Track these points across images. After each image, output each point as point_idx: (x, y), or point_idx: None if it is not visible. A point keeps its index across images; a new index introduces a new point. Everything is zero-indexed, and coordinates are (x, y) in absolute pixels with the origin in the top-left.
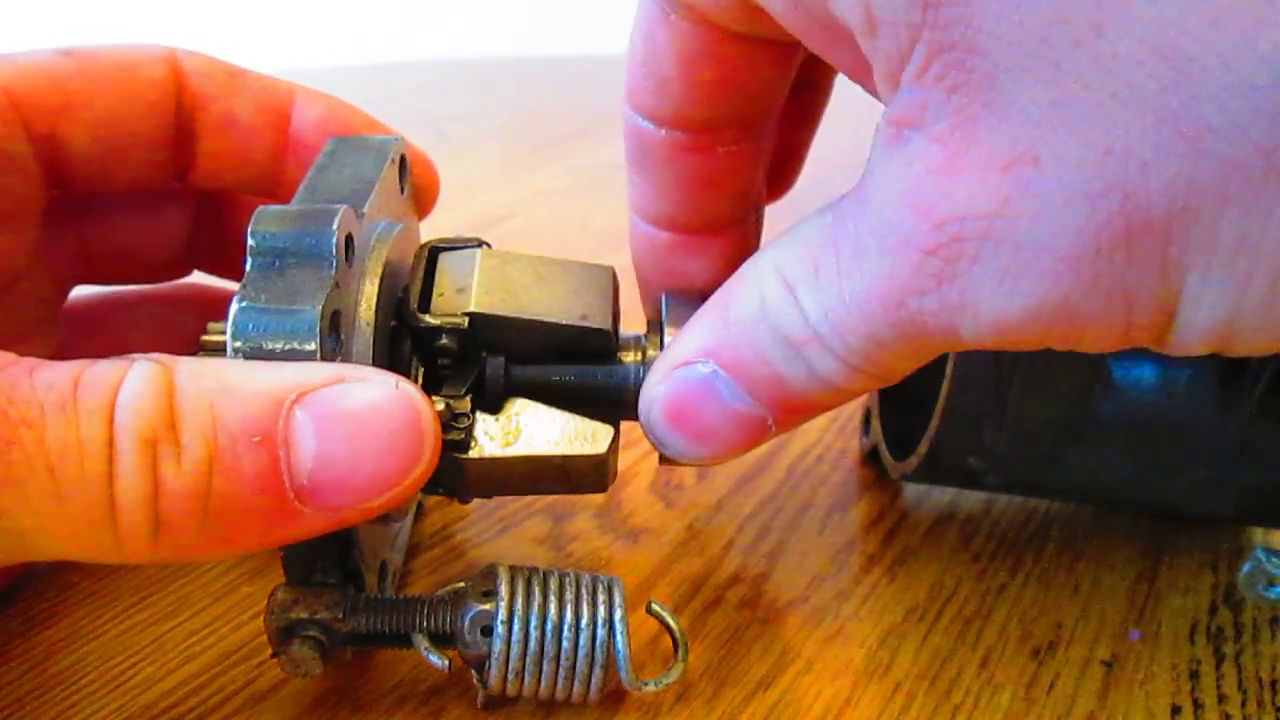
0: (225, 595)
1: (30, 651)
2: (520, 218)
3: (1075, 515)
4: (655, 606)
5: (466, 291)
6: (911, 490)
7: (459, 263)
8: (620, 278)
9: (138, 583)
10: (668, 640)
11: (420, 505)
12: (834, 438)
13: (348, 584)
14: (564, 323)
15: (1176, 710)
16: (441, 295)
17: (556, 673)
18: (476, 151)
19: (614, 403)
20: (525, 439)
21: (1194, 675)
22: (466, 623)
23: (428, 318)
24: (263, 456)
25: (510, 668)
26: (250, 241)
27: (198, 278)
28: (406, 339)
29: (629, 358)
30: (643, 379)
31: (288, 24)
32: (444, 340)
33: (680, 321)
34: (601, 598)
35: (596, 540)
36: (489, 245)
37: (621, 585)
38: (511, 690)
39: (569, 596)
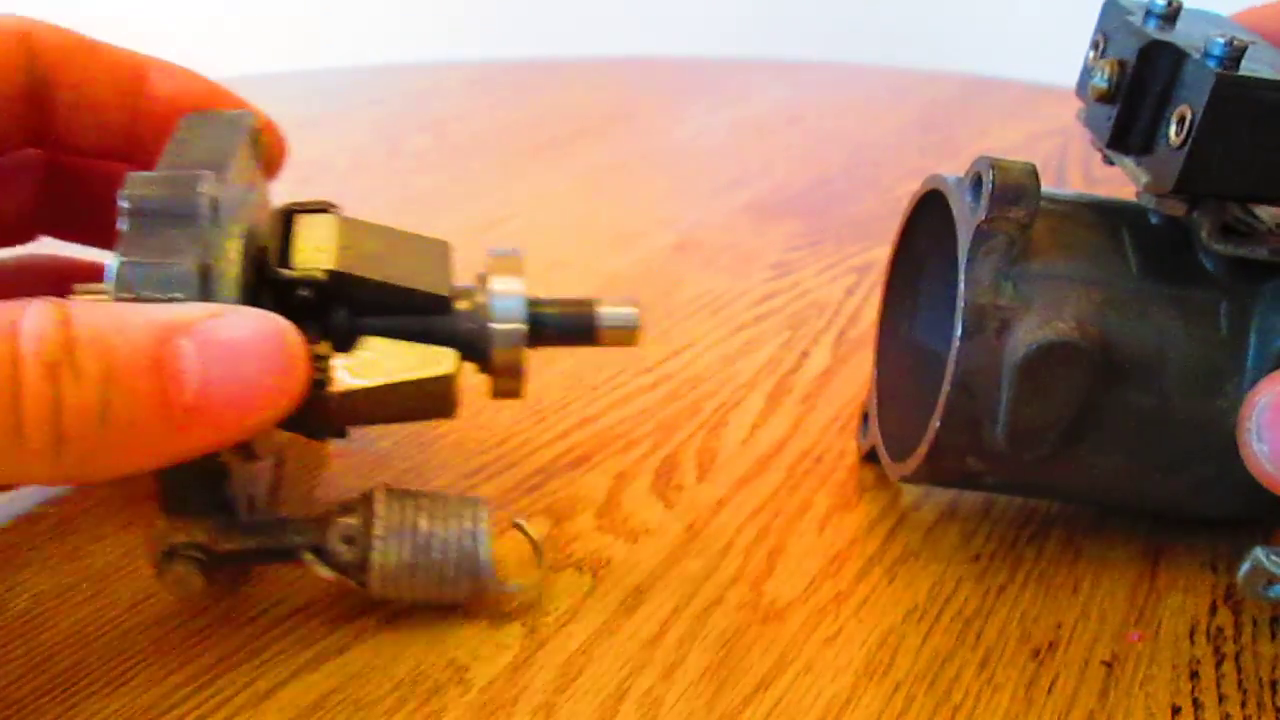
0: (225, 595)
1: (31, 653)
2: (520, 219)
3: (1075, 515)
4: (517, 521)
5: (325, 250)
6: (911, 490)
7: (316, 225)
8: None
9: (138, 584)
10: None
11: (281, 455)
12: (834, 438)
13: (220, 514)
14: (410, 286)
15: (1176, 710)
16: (301, 252)
17: (429, 579)
18: (476, 152)
19: (453, 339)
20: (379, 370)
21: (1194, 675)
22: (336, 535)
23: (288, 272)
24: (154, 379)
25: (388, 574)
26: (124, 204)
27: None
28: (266, 292)
29: (461, 305)
30: (479, 323)
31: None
32: (303, 291)
33: (501, 269)
34: (467, 513)
35: (596, 540)
36: (339, 210)
37: (486, 504)
38: (391, 594)
39: (438, 513)
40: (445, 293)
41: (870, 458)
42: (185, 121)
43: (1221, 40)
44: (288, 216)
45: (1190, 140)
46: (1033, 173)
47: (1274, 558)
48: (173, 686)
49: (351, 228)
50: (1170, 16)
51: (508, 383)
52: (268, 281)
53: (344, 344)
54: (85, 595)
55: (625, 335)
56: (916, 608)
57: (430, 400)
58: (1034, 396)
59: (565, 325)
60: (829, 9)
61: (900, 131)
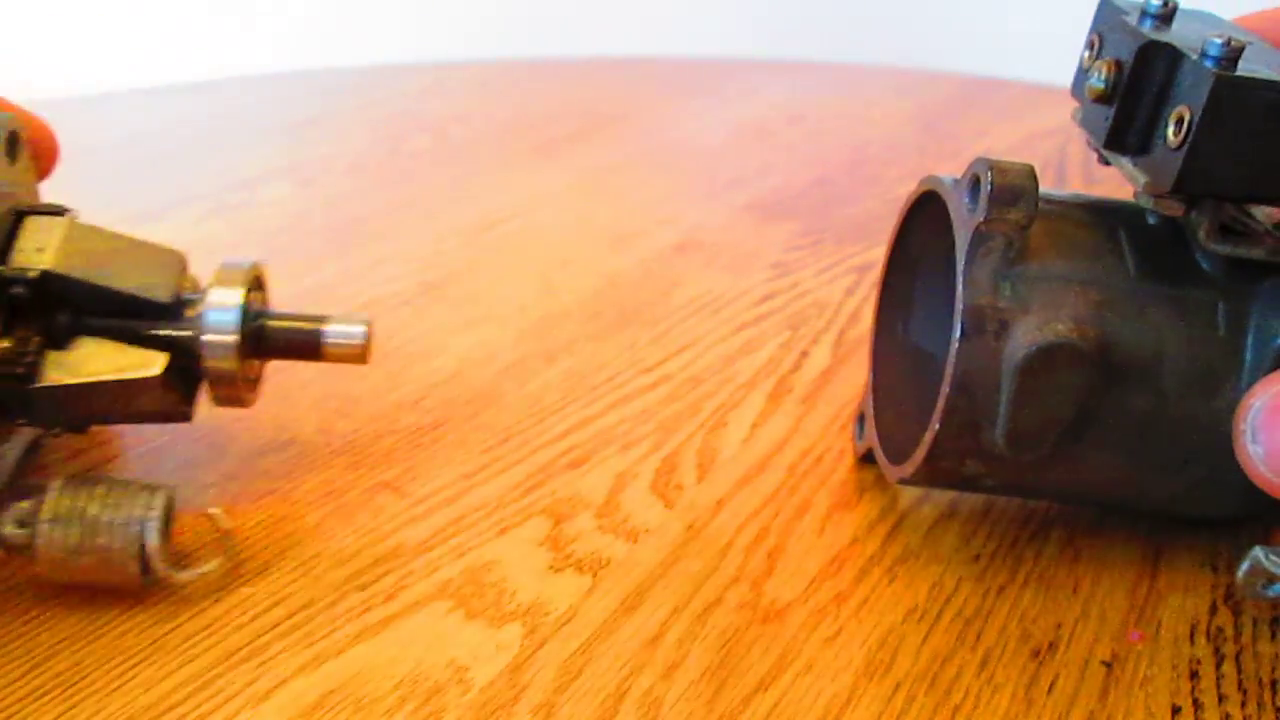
0: (225, 595)
1: (31, 652)
2: (520, 219)
3: (1075, 515)
4: (210, 510)
5: (45, 250)
6: (911, 490)
7: (44, 227)
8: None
9: (138, 584)
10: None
11: (37, 441)
12: (834, 438)
13: None
14: (126, 291)
15: (1176, 710)
16: (21, 252)
17: (96, 563)
18: (476, 152)
19: (169, 345)
20: (85, 369)
21: (1194, 675)
22: (10, 518)
23: (1, 269)
24: None
25: (53, 557)
26: None
27: None
28: None
29: (191, 311)
30: (198, 328)
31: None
32: (17, 290)
33: (225, 282)
34: (142, 501)
35: (596, 540)
36: (75, 215)
37: (168, 493)
38: (60, 576)
39: (112, 501)
40: (164, 299)
41: (867, 459)
42: None
43: (1219, 40)
44: (19, 217)
45: (1189, 141)
46: (1031, 174)
47: (1273, 557)
48: (173, 686)
49: (81, 232)
50: (1166, 16)
51: (225, 390)
52: None
53: (60, 342)
54: (85, 595)
55: (352, 352)
56: (916, 608)
57: (146, 400)
58: (1033, 398)
59: (290, 339)
60: (829, 9)
61: (900, 132)
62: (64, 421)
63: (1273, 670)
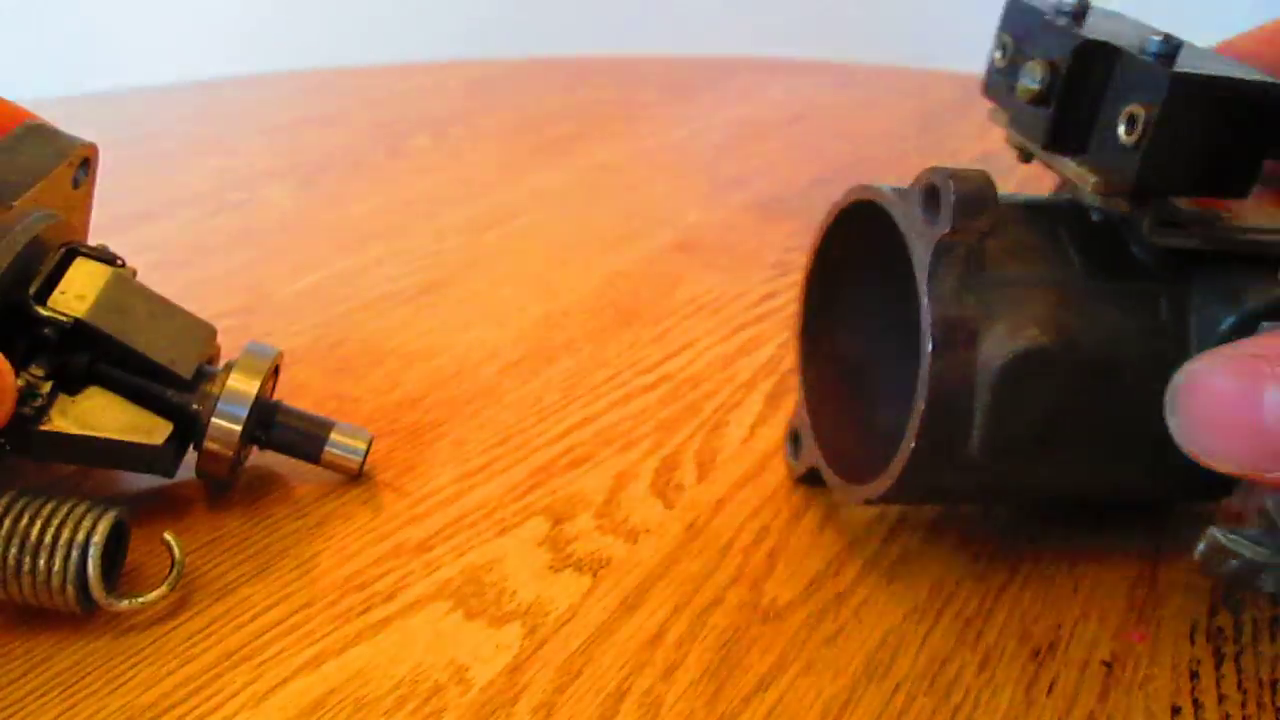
0: (225, 595)
1: (31, 652)
2: (520, 219)
3: (1075, 515)
4: (165, 537)
5: (85, 300)
6: None
7: (90, 272)
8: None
9: (139, 584)
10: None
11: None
12: None
13: None
14: (153, 358)
15: (1176, 710)
16: (63, 294)
17: (35, 585)
18: (476, 152)
19: (178, 415)
20: (92, 422)
21: (1194, 675)
22: None
23: (40, 308)
24: None
25: None
26: None
27: None
28: (17, 317)
29: (206, 388)
30: (208, 408)
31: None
32: (46, 331)
33: (247, 369)
34: (86, 524)
35: (596, 540)
36: (127, 267)
37: (113, 515)
38: (0, 597)
39: (56, 522)
40: (183, 373)
41: (807, 480)
42: (20, 129)
43: (1158, 38)
44: (70, 255)
45: (1146, 139)
46: (990, 180)
47: (1231, 536)
48: (173, 686)
49: (125, 288)
50: (1080, 15)
51: (212, 467)
52: (18, 308)
53: (74, 388)
54: None
55: (348, 464)
56: (916, 608)
57: (139, 460)
58: (1010, 405)
59: (292, 439)
60: (829, 9)
61: (900, 132)
62: (49, 460)
63: (1273, 670)
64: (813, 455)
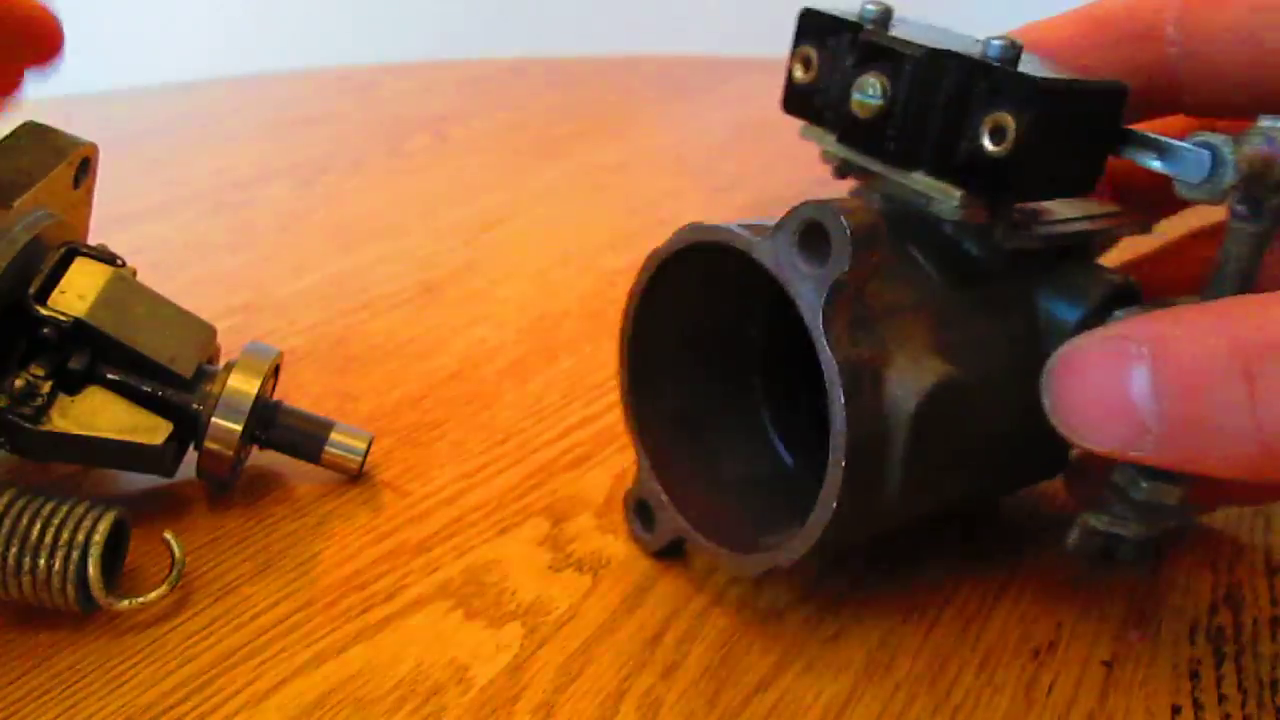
0: (225, 595)
1: (31, 651)
2: (520, 219)
3: (1075, 515)
4: (165, 536)
5: (85, 299)
6: None
7: (90, 271)
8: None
9: (139, 583)
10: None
11: None
12: None
13: None
14: (153, 358)
15: (1176, 710)
16: (62, 293)
17: (34, 585)
18: (476, 152)
19: (178, 415)
20: (92, 422)
21: (1194, 675)
22: None
23: (39, 308)
24: None
25: None
26: None
27: None
28: (17, 317)
29: (206, 387)
30: (209, 408)
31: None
32: (46, 330)
33: (248, 369)
34: (86, 525)
35: (596, 540)
36: (127, 266)
37: (113, 515)
38: (1, 596)
39: (56, 522)
40: (183, 373)
41: (667, 552)
42: (21, 128)
43: (998, 43)
44: (70, 254)
45: (1017, 148)
46: (877, 211)
47: (1100, 517)
48: (172, 686)
49: (125, 288)
50: (884, 21)
51: (213, 467)
52: (18, 307)
53: (74, 387)
54: None
55: (348, 464)
56: (916, 607)
57: (139, 460)
58: (928, 441)
59: (292, 439)
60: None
61: None
62: (49, 460)
63: (1273, 670)
64: (675, 525)
